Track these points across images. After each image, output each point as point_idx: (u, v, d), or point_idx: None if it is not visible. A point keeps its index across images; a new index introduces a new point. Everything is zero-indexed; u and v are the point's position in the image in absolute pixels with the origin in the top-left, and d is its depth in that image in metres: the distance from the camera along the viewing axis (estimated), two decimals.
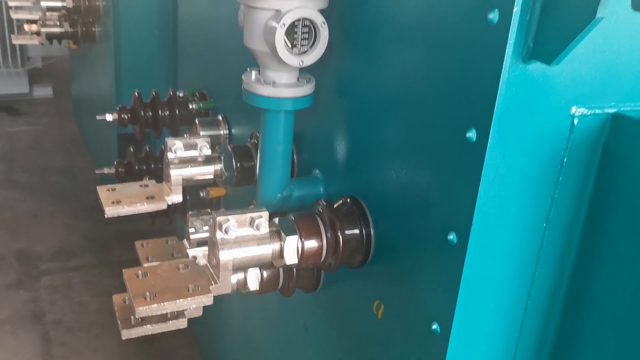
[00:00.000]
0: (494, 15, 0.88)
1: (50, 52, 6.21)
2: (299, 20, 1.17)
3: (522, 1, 0.86)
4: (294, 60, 1.20)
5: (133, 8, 3.07)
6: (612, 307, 1.04)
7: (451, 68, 0.99)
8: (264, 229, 1.17)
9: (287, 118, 1.31)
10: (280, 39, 1.17)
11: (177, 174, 1.47)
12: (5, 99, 6.06)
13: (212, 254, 1.19)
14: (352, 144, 1.31)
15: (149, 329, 1.25)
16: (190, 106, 2.14)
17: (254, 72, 1.29)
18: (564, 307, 1.15)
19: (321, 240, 1.22)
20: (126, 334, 1.22)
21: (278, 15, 1.16)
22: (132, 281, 1.17)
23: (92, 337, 3.00)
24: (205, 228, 1.58)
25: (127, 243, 3.74)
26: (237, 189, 1.81)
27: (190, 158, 1.50)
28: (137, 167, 2.36)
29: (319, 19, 1.19)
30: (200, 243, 1.60)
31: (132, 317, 1.25)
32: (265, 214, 1.17)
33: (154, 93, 2.19)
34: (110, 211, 1.41)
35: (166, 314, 1.21)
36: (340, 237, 1.22)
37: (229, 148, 1.55)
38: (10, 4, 4.24)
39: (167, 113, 2.16)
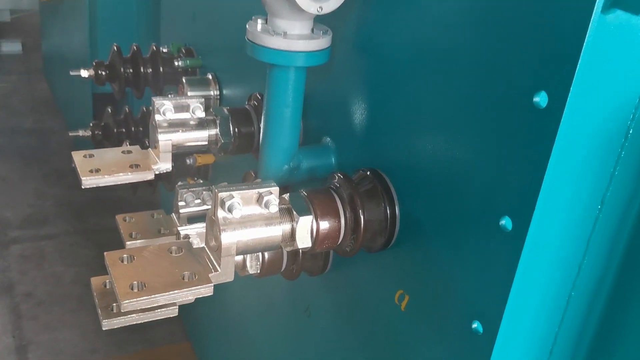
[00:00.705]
0: None
1: (19, 5, 5.85)
2: None
3: None
4: (311, 5, 1.00)
5: None
6: None
7: (515, 16, 0.80)
8: (274, 207, 0.98)
9: (298, 76, 1.12)
10: None
11: (166, 139, 1.27)
12: None
13: (212, 236, 1.01)
14: (375, 109, 1.12)
15: (134, 319, 1.06)
16: (176, 63, 1.92)
17: (260, 21, 1.09)
18: (607, 301, 1.00)
19: (339, 221, 1.05)
20: (107, 324, 1.04)
21: None
22: (115, 267, 0.98)
23: (66, 311, 2.81)
24: (197, 201, 1.40)
25: (104, 210, 3.53)
26: (228, 157, 1.62)
27: (181, 121, 1.30)
28: (115, 130, 2.15)
29: None
30: (191, 219, 1.41)
31: (114, 305, 1.07)
32: (276, 190, 0.99)
33: (134, 47, 1.97)
34: (89, 181, 1.21)
35: None
36: (362, 216, 1.04)
37: (226, 111, 1.36)
38: None
39: (149, 70, 1.95)
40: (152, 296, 0.92)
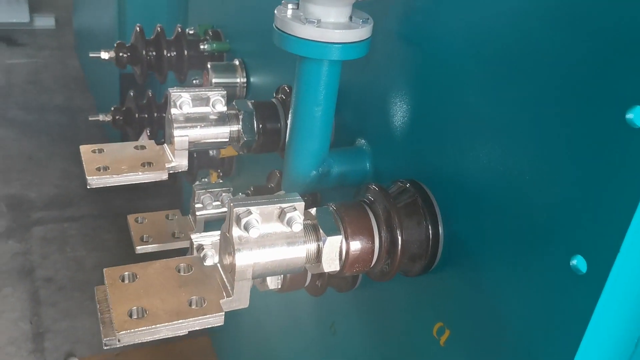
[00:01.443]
0: None
1: None
2: None
3: None
4: None
5: None
6: None
7: (611, 12, 0.64)
8: (298, 225, 0.84)
9: (332, 71, 0.97)
10: None
11: (182, 134, 1.14)
12: (3, 28, 5.67)
13: (225, 254, 0.88)
14: (420, 110, 0.97)
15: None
16: (202, 47, 1.79)
17: (290, 6, 0.94)
18: None
19: (372, 241, 0.90)
20: (109, 342, 0.92)
21: None
22: (114, 287, 0.85)
23: (86, 297, 2.73)
24: (216, 203, 1.27)
25: (130, 193, 3.44)
26: None
27: (199, 115, 1.16)
28: (137, 115, 2.03)
29: None
30: (208, 222, 1.28)
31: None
32: (300, 206, 0.85)
33: (158, 29, 1.83)
34: (95, 181, 1.09)
35: None
36: (399, 237, 0.89)
37: (250, 104, 1.22)
38: None
39: (173, 53, 1.81)
40: (153, 327, 0.80)
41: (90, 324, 2.59)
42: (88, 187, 1.10)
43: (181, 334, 0.84)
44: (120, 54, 1.81)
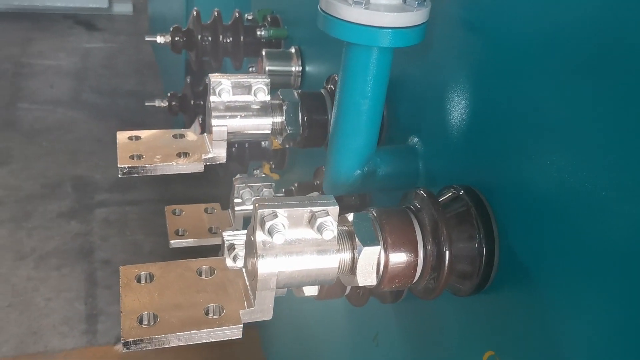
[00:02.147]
0: None
1: None
2: None
3: None
4: None
5: None
6: None
7: None
8: (329, 233, 0.74)
9: (382, 59, 0.86)
10: None
11: (220, 124, 1.06)
12: (83, 13, 5.83)
13: (250, 259, 0.79)
14: (481, 108, 0.85)
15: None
16: (258, 33, 1.71)
17: None
18: None
19: (416, 255, 0.79)
20: (126, 348, 0.85)
21: None
22: (128, 289, 0.78)
23: None
24: (256, 199, 1.18)
25: (192, 180, 3.43)
26: None
27: (241, 105, 1.08)
28: (192, 102, 1.98)
29: None
30: (247, 218, 1.20)
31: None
32: (334, 210, 0.75)
33: (215, 13, 1.77)
34: (126, 169, 1.03)
35: None
36: (447, 251, 0.78)
37: (296, 94, 1.12)
38: None
39: (229, 39, 1.74)
40: (162, 336, 0.72)
41: None
42: (119, 175, 1.04)
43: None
44: (176, 39, 1.76)
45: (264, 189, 1.18)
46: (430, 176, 0.98)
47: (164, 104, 2.00)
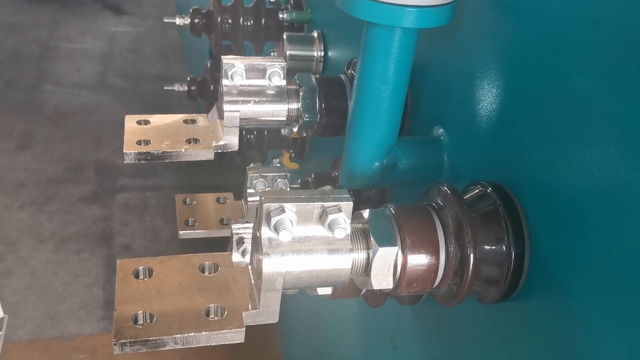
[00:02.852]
0: None
1: None
2: None
3: None
4: None
5: None
6: None
7: None
8: (341, 231, 0.68)
9: (406, 41, 0.79)
10: None
11: (232, 110, 1.00)
12: None
13: (255, 256, 0.73)
14: (514, 97, 0.77)
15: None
16: (281, 16, 1.64)
17: None
18: None
19: (437, 257, 0.72)
20: (118, 349, 0.80)
21: None
22: (124, 284, 0.73)
23: None
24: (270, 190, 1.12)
25: (213, 167, 3.40)
26: None
27: (255, 89, 1.01)
28: (212, 87, 1.92)
29: None
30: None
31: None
32: (348, 206, 0.68)
33: None
34: (132, 155, 0.98)
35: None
36: (471, 254, 0.71)
37: (313, 79, 1.05)
38: None
39: (250, 22, 1.68)
40: (157, 338, 0.66)
41: None
42: (125, 161, 0.99)
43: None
44: (195, 20, 1.70)
45: (279, 180, 1.12)
46: (455, 171, 0.90)
47: (184, 88, 1.95)
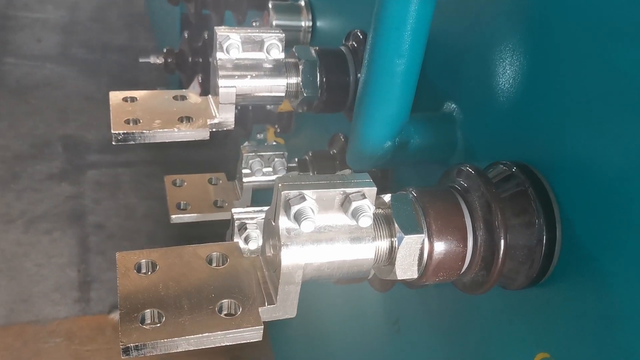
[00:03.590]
0: None
1: None
2: None
3: None
4: None
5: None
6: None
7: None
8: (366, 219, 0.63)
9: (424, 9, 0.73)
10: None
11: (228, 85, 0.93)
12: None
13: (268, 246, 0.67)
14: (536, 68, 0.72)
15: None
16: None
17: None
18: None
19: (464, 244, 0.68)
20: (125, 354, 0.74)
21: None
22: (126, 280, 0.67)
23: (135, 247, 2.61)
24: (266, 170, 1.06)
25: (187, 141, 3.30)
26: None
27: (251, 63, 0.95)
28: (190, 59, 1.83)
29: None
30: (256, 191, 1.08)
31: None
32: (372, 192, 0.63)
33: None
34: (121, 136, 0.90)
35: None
36: (502, 239, 0.66)
37: (313, 52, 0.99)
38: None
39: None
40: (169, 340, 0.60)
41: None
42: (113, 142, 0.92)
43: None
44: None
45: (276, 159, 1.06)
46: (470, 149, 0.86)
47: (160, 60, 1.86)
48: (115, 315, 2.28)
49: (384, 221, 0.67)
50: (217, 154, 2.84)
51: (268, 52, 0.93)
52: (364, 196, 0.63)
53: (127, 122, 0.92)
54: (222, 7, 1.63)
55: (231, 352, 2.15)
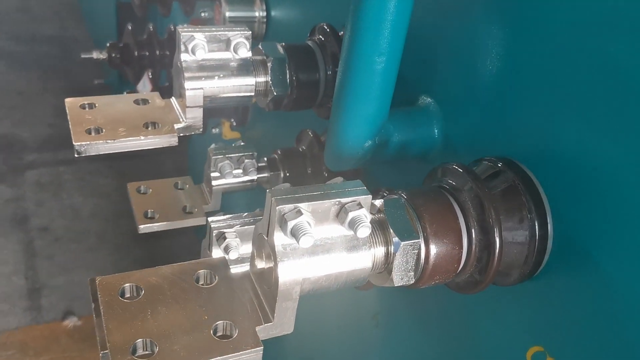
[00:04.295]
0: None
1: None
2: None
3: None
4: None
5: None
6: None
7: None
8: (365, 230, 0.61)
9: (403, 4, 0.71)
10: None
11: (195, 87, 0.89)
12: None
13: (260, 262, 0.64)
14: (523, 59, 0.71)
15: None
16: None
17: None
18: None
19: (459, 246, 0.67)
20: None
21: None
22: (111, 308, 0.63)
23: (84, 249, 2.53)
24: (236, 172, 1.03)
25: None
26: None
27: (217, 63, 0.90)
28: (136, 53, 1.75)
29: None
30: (226, 194, 1.05)
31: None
32: (367, 200, 0.61)
33: None
34: (84, 147, 0.85)
35: None
36: (497, 239, 0.66)
37: (280, 48, 0.95)
38: None
39: None
40: None
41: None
42: (76, 155, 0.86)
43: None
44: None
45: (246, 160, 1.02)
46: (449, 143, 0.85)
47: (103, 56, 1.76)
48: (69, 322, 2.20)
49: (379, 227, 0.65)
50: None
51: (235, 51, 0.89)
52: (360, 205, 0.61)
53: (89, 131, 0.86)
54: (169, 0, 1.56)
55: None
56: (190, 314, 0.63)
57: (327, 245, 0.61)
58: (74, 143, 0.84)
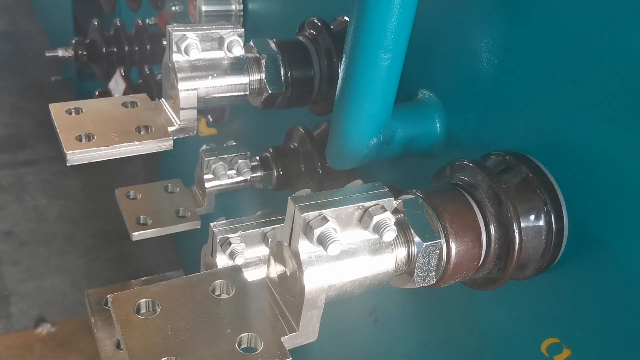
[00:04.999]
0: None
1: None
2: None
3: None
4: None
5: None
6: None
7: None
8: (390, 233, 0.59)
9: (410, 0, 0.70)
10: None
11: (189, 88, 0.86)
12: None
13: (280, 267, 0.63)
14: (530, 50, 0.71)
15: None
16: None
17: None
18: None
19: (479, 244, 0.66)
20: None
21: None
22: (128, 328, 0.60)
23: (52, 253, 2.45)
24: (231, 172, 1.00)
25: None
26: None
27: (210, 62, 0.87)
28: (104, 50, 1.69)
29: None
30: (220, 196, 1.02)
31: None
32: (390, 203, 0.60)
33: None
34: (77, 156, 0.81)
35: None
36: (516, 234, 0.66)
37: (273, 45, 0.93)
38: None
39: None
40: None
41: (60, 283, 2.32)
42: (68, 164, 0.82)
43: None
44: None
45: (239, 160, 0.99)
46: (452, 138, 0.84)
47: (69, 53, 1.70)
48: (42, 329, 2.13)
49: (399, 229, 0.64)
50: None
51: (229, 50, 0.87)
52: (383, 209, 0.60)
53: (79, 138, 0.82)
54: None
55: None
56: (212, 327, 0.61)
57: (351, 251, 0.60)
58: (65, 152, 0.80)
